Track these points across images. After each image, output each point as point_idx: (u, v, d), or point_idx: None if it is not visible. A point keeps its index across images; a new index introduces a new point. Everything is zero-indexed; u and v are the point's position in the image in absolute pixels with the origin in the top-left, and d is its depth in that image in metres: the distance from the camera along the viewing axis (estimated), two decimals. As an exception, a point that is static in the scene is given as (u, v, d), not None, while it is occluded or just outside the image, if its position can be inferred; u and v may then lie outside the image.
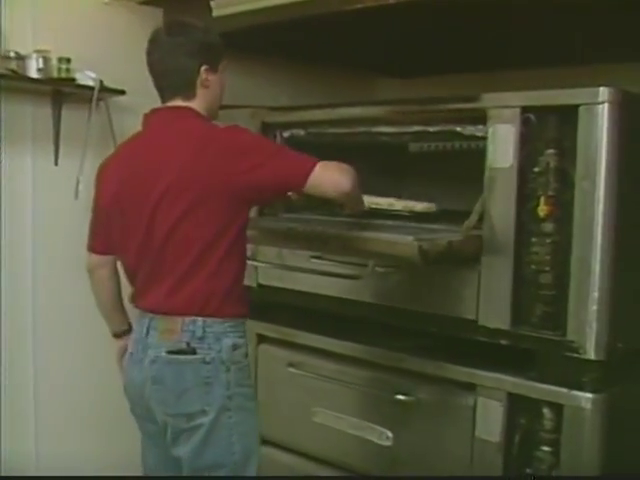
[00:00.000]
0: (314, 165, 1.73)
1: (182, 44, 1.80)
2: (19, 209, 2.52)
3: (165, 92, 1.83)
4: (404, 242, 1.79)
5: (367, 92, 3.51)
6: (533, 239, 1.83)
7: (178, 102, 1.82)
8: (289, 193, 1.94)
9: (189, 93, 1.81)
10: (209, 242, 1.72)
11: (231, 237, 1.74)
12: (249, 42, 2.78)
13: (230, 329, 1.77)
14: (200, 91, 1.82)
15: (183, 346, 1.72)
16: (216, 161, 1.70)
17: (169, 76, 1.82)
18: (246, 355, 1.82)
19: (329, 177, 1.75)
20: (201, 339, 1.72)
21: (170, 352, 1.73)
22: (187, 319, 1.73)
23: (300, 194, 1.87)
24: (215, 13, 2.50)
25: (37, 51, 2.39)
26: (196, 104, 1.82)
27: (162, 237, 1.73)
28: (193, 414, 1.74)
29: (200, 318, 1.73)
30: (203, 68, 1.80)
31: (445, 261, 1.88)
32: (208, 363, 1.73)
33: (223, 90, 1.90)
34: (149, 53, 1.83)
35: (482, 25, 2.32)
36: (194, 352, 1.72)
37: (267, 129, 2.48)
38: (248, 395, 1.82)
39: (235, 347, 1.77)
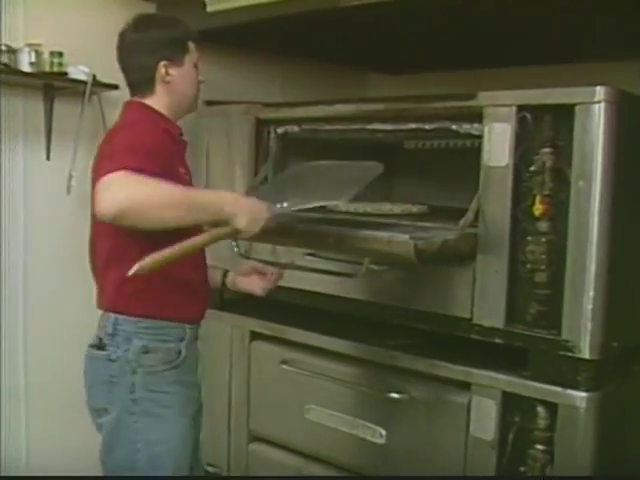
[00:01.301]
0: (111, 173, 1.50)
1: (139, 41, 1.80)
2: (10, 205, 2.50)
3: (130, 89, 1.86)
4: (400, 240, 1.78)
5: (359, 89, 3.51)
6: (528, 238, 1.83)
7: (135, 98, 1.84)
8: None
9: (146, 90, 1.81)
10: (114, 239, 1.69)
11: (136, 236, 1.62)
12: (242, 38, 2.77)
13: (143, 330, 1.71)
14: (161, 87, 1.81)
15: (97, 341, 1.75)
16: (97, 160, 1.70)
17: (129, 74, 1.83)
18: (166, 362, 1.73)
19: (102, 193, 1.50)
20: (111, 336, 1.72)
21: (90, 346, 1.76)
22: (105, 315, 1.75)
23: None
24: (209, 9, 2.49)
25: (29, 45, 2.37)
26: (154, 101, 1.81)
27: (93, 233, 1.79)
28: (98, 410, 1.76)
29: (113, 315, 1.73)
30: (162, 64, 1.79)
31: (440, 259, 1.88)
32: (113, 361, 1.71)
33: (194, 82, 1.87)
34: (117, 49, 1.83)
35: (475, 22, 2.32)
36: (103, 348, 1.73)
37: (261, 125, 2.47)
38: (161, 402, 1.73)
39: (146, 350, 1.71)
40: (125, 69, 1.84)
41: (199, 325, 1.86)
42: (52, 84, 2.47)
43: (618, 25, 2.23)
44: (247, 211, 1.63)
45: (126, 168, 1.50)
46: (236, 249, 2.38)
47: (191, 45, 1.85)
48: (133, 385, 1.70)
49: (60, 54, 2.42)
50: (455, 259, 1.92)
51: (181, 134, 1.87)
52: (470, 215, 1.90)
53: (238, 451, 2.54)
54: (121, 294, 1.71)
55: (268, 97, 2.95)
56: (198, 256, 1.81)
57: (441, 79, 3.09)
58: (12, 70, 2.32)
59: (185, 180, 1.78)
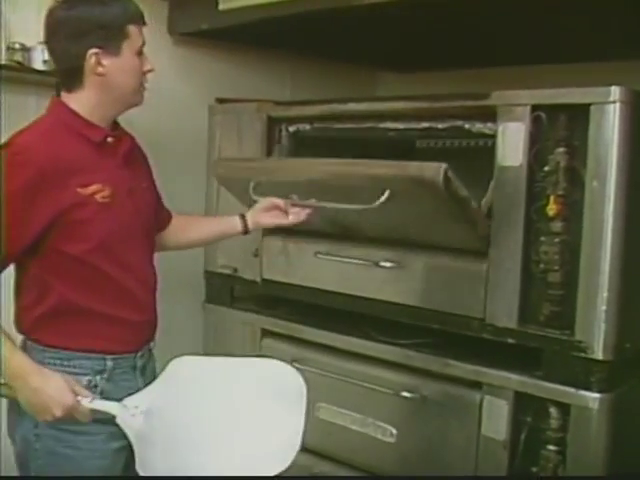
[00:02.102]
0: None
1: (66, 22, 1.52)
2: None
3: (59, 79, 1.61)
4: (432, 165, 1.77)
5: (369, 87, 3.51)
6: (542, 238, 1.83)
7: (63, 93, 1.59)
8: None
9: (74, 84, 1.56)
10: (17, 263, 1.57)
11: (32, 263, 1.54)
12: (253, 36, 2.78)
13: (50, 360, 1.54)
14: (91, 80, 1.54)
15: None
16: None
17: (56, 61, 1.58)
18: None
19: None
20: None
21: None
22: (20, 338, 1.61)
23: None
24: (221, 6, 2.49)
25: (42, 43, 2.37)
26: (82, 98, 1.57)
27: None
28: (11, 437, 1.64)
29: (22, 339, 1.59)
30: (91, 52, 1.52)
31: (462, 207, 1.83)
32: None
33: (136, 74, 1.59)
34: (43, 29, 1.57)
35: (486, 20, 2.31)
36: None
37: (273, 123, 2.47)
38: (66, 441, 1.56)
39: None
40: (51, 55, 1.59)
41: (136, 355, 1.67)
42: (65, 82, 2.47)
43: (631, 24, 2.22)
44: (31, 395, 1.44)
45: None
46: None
47: (132, 29, 1.55)
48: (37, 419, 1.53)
49: (73, 52, 2.42)
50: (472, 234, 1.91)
51: (112, 136, 1.62)
52: (490, 194, 1.90)
53: (248, 449, 2.55)
54: (26, 319, 1.56)
55: (279, 95, 2.95)
56: (117, 292, 1.61)
57: (452, 77, 3.09)
58: (25, 68, 2.32)
59: (91, 201, 1.53)
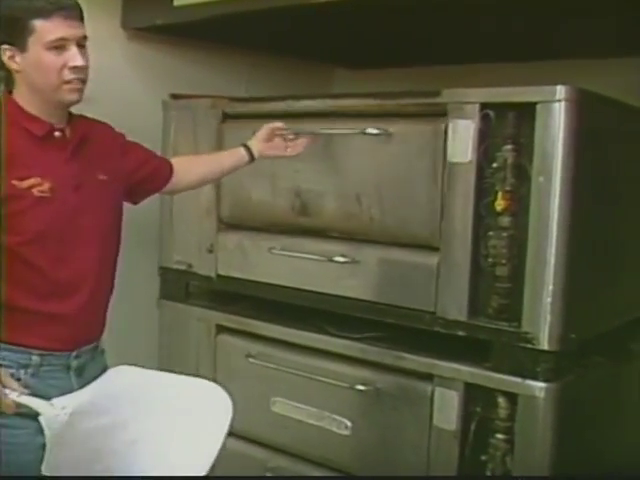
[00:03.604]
0: None
1: None
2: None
3: None
4: None
5: (324, 83, 3.52)
6: (490, 233, 1.87)
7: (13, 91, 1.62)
8: None
9: (8, 80, 1.59)
10: None
11: None
12: (209, 32, 2.76)
13: None
14: (16, 77, 1.56)
15: None
16: None
17: None
18: None
19: None
20: None
21: None
22: None
23: None
24: (176, 2, 2.47)
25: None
26: (18, 93, 1.58)
27: None
28: None
29: None
30: (3, 48, 1.53)
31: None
32: None
33: (51, 70, 1.53)
34: None
35: (438, 18, 2.35)
36: None
37: (227, 120, 2.47)
38: None
39: None
40: None
41: (70, 354, 1.63)
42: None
43: (578, 23, 2.27)
44: None
45: None
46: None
47: (37, 24, 1.49)
48: None
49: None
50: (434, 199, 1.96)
51: (59, 130, 1.61)
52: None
53: (204, 444, 2.55)
54: None
55: (235, 92, 2.95)
56: (50, 288, 1.59)
57: (407, 74, 3.13)
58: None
59: (27, 195, 1.53)
